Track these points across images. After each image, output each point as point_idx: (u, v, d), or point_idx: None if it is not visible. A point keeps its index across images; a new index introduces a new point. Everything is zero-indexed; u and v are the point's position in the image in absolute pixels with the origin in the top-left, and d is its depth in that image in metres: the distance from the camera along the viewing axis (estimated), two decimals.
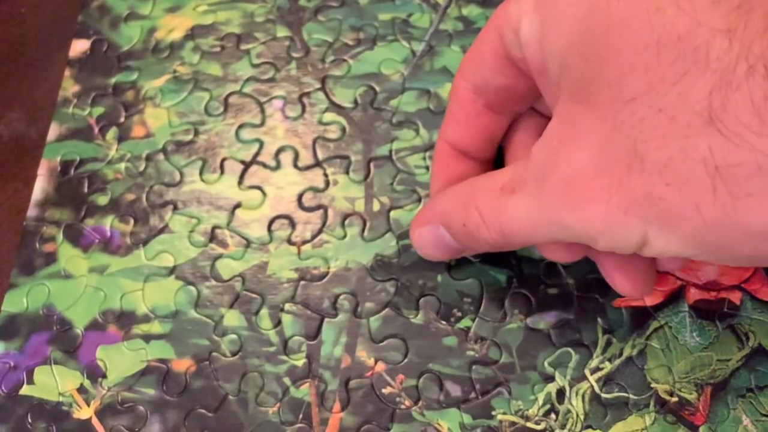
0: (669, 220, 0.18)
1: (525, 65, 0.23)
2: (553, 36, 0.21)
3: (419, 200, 0.31)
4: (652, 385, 0.27)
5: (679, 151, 0.17)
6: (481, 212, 0.23)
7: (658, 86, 0.18)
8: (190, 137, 0.32)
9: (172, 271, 0.30)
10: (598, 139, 0.19)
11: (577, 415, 0.27)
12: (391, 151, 0.32)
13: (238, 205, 0.31)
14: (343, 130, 0.32)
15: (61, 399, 0.28)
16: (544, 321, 0.29)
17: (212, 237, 0.30)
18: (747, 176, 0.17)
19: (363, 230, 0.30)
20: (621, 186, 0.19)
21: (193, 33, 0.35)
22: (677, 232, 0.18)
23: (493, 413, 0.27)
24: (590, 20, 0.19)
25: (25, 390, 0.28)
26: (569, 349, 0.28)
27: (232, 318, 0.29)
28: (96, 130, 0.33)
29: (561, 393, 0.27)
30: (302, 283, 0.30)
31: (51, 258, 0.30)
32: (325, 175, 0.32)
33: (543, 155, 0.21)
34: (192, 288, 0.30)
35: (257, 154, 0.32)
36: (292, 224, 0.31)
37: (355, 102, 0.33)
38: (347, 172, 0.32)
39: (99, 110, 0.33)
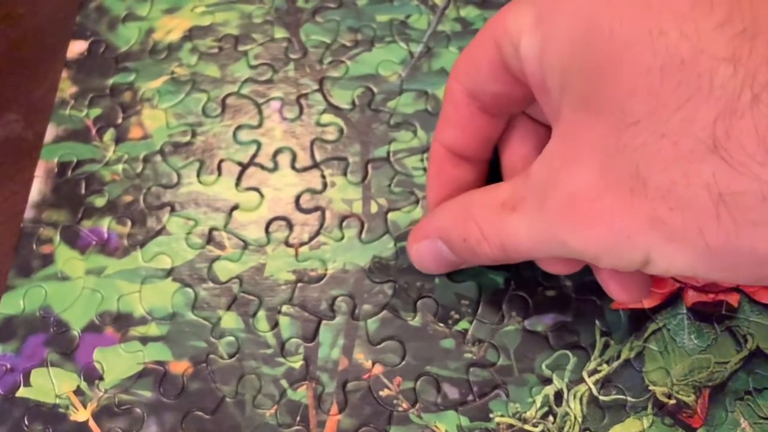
0: (672, 243, 0.18)
1: (523, 76, 0.23)
2: (554, 55, 0.21)
3: (417, 202, 0.31)
4: (650, 388, 0.27)
5: (682, 176, 0.17)
6: (482, 228, 0.23)
7: (661, 111, 0.17)
8: (187, 139, 0.32)
9: (169, 272, 0.30)
10: (600, 160, 0.19)
11: (575, 418, 0.27)
12: (388, 153, 0.32)
13: (235, 207, 0.31)
14: (341, 131, 0.32)
15: (57, 401, 0.28)
16: (541, 323, 0.29)
17: (209, 239, 0.30)
18: (751, 205, 0.17)
19: (361, 232, 0.30)
20: (624, 209, 0.18)
21: (191, 34, 0.35)
22: (681, 254, 0.18)
23: (491, 416, 0.27)
24: (592, 41, 0.19)
25: (22, 392, 0.28)
26: (567, 352, 0.28)
27: (230, 320, 0.29)
28: (93, 131, 0.33)
29: (559, 395, 0.27)
30: (300, 285, 0.29)
31: (48, 260, 0.30)
32: (323, 176, 0.32)
33: (544, 174, 0.21)
34: (189, 290, 0.29)
35: (255, 155, 0.32)
36: (290, 226, 0.31)
37: (353, 103, 0.33)
38: (345, 174, 0.31)
39: (96, 111, 0.33)
